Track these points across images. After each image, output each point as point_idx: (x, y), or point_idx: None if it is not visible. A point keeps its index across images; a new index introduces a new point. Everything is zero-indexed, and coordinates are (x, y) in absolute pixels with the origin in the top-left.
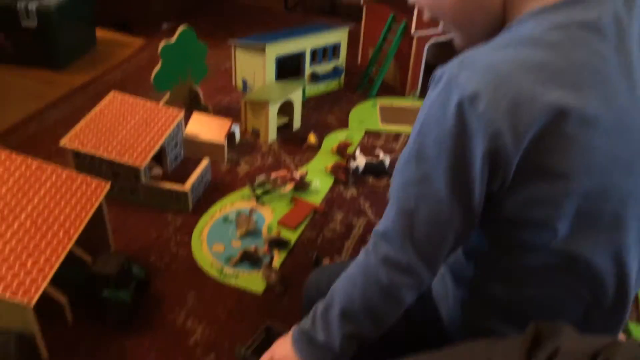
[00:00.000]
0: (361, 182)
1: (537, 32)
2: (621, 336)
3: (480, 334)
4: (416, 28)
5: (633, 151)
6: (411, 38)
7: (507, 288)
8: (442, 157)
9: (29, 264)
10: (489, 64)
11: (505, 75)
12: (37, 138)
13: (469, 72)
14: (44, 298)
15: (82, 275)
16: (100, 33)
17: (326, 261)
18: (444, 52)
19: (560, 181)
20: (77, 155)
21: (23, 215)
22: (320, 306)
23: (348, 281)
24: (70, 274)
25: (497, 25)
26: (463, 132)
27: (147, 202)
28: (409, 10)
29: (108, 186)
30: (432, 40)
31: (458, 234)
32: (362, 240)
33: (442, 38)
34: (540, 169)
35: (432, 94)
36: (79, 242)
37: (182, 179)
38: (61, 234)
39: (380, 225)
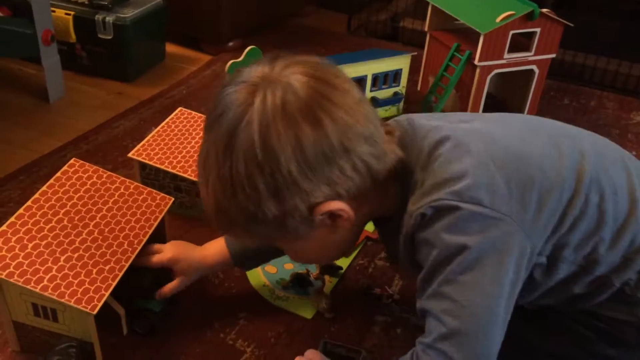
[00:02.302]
0: None
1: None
2: None
3: None
4: (481, 59)
5: None
6: (474, 68)
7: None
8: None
9: (94, 273)
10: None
11: None
12: (106, 147)
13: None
14: (102, 307)
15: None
16: (170, 48)
17: (377, 291)
18: (506, 83)
19: None
20: (144, 166)
21: (92, 224)
22: None
23: None
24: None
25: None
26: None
27: (204, 218)
28: (474, 40)
29: (172, 201)
30: (495, 71)
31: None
32: None
33: (506, 69)
34: None
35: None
36: (138, 252)
37: None
38: (126, 244)
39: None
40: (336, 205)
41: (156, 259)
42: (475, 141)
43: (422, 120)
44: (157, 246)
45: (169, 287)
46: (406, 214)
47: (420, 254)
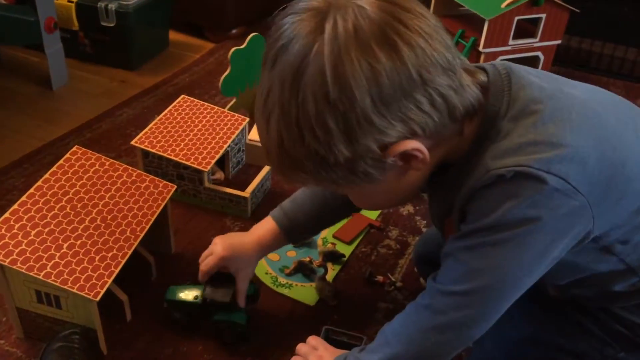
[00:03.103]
0: (418, 200)
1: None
2: None
3: None
4: (485, 45)
5: None
6: (479, 54)
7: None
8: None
9: (97, 260)
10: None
11: None
12: (109, 135)
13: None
14: (105, 294)
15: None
16: (173, 35)
17: (380, 278)
18: None
19: None
20: (146, 154)
21: (95, 212)
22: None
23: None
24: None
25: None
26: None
27: (207, 205)
28: (479, 26)
29: (174, 188)
30: (500, 58)
31: None
32: None
33: (511, 55)
34: None
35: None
36: (141, 240)
37: (243, 185)
38: (128, 232)
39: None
40: (411, 144)
41: (206, 267)
42: (577, 109)
43: (522, 71)
44: (206, 252)
45: (239, 296)
46: (481, 166)
47: (477, 206)
